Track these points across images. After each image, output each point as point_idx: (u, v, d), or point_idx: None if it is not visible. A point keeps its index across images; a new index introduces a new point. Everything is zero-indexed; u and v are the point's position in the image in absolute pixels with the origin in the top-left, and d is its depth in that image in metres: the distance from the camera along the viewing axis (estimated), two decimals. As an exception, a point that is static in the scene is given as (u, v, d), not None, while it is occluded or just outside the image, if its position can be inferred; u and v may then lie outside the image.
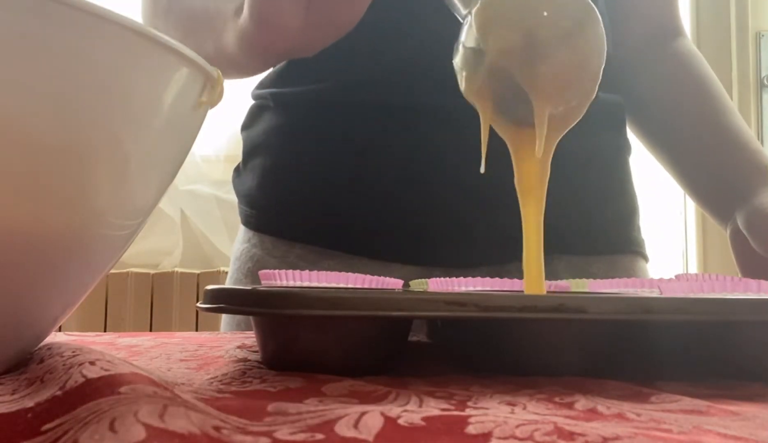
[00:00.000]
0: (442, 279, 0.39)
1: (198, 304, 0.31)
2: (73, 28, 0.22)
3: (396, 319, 0.30)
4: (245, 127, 0.66)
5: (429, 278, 0.39)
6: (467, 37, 0.32)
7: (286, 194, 0.60)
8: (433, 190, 0.56)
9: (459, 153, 0.55)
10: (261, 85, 0.64)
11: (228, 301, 0.29)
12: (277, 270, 0.34)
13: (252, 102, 0.66)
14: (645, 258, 0.65)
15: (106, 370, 0.21)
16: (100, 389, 0.19)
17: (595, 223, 0.60)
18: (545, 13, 0.30)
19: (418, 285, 0.41)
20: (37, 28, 0.22)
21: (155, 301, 1.52)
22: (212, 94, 0.31)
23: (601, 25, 0.32)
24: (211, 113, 0.34)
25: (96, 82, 0.24)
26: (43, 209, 0.24)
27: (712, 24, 1.75)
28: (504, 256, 0.57)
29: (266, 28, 0.42)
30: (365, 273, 0.54)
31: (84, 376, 0.20)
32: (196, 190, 1.61)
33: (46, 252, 0.25)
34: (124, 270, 1.51)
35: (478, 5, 0.31)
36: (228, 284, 0.66)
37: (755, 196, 0.53)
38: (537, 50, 0.30)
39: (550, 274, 0.58)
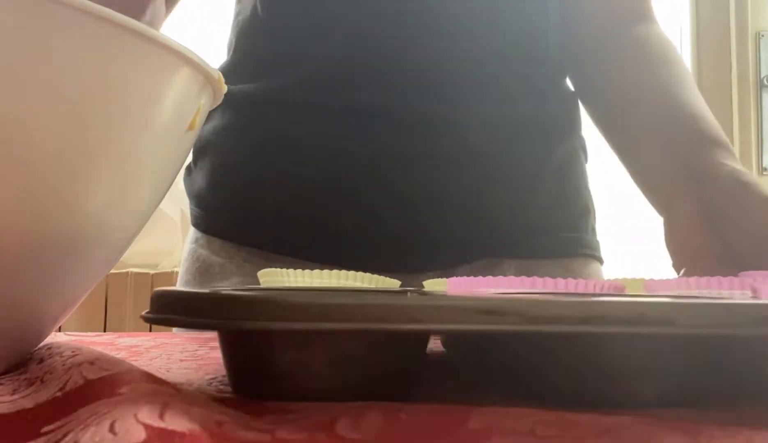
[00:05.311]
0: (463, 278, 0.28)
1: (143, 313, 0.24)
2: (72, 28, 0.22)
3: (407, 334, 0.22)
4: None
5: None
6: None
7: (233, 197, 0.60)
8: (380, 195, 0.55)
9: (406, 158, 0.55)
10: None
11: (181, 311, 0.22)
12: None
13: None
14: (599, 260, 0.64)
15: (106, 370, 0.21)
16: (100, 390, 0.19)
17: (545, 227, 0.60)
18: None
19: (433, 285, 0.33)
20: (35, 28, 0.22)
21: (155, 301, 1.52)
22: (212, 95, 0.31)
23: None
24: (211, 113, 0.34)
25: (95, 82, 0.24)
26: (43, 211, 0.24)
27: (712, 24, 1.75)
28: (451, 261, 0.57)
29: None
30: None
31: (84, 377, 0.20)
32: (196, 190, 1.60)
33: (45, 253, 0.25)
34: (124, 270, 1.51)
35: None
36: (179, 285, 0.63)
37: (716, 169, 0.46)
38: None
39: None
